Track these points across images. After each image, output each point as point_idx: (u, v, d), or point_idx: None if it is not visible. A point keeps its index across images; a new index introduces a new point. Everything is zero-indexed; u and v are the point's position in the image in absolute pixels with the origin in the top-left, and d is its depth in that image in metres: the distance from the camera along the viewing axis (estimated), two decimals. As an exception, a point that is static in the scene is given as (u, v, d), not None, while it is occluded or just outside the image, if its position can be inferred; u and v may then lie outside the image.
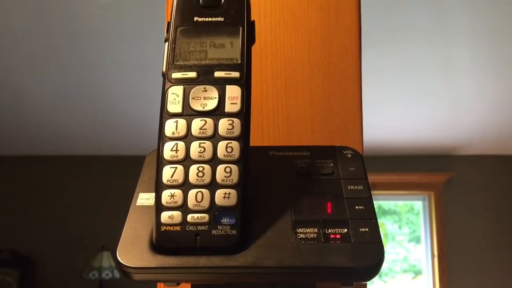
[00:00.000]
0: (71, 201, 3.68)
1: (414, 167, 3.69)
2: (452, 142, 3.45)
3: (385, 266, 3.60)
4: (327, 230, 0.33)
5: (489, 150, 3.60)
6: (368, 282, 0.44)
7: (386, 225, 3.82)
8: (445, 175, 3.68)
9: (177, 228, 0.32)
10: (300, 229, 0.33)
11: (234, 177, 0.32)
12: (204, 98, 0.33)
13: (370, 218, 0.34)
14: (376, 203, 0.35)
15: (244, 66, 0.34)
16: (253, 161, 0.35)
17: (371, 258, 0.31)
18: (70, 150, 3.64)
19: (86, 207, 3.67)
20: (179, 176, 0.32)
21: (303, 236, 0.33)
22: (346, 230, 0.33)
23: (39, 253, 3.57)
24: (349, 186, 0.36)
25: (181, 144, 0.33)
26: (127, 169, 3.45)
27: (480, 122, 3.08)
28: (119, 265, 0.32)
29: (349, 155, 0.39)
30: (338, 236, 0.32)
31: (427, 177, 3.70)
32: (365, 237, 0.32)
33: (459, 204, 3.65)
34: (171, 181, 0.32)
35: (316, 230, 0.33)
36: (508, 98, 2.75)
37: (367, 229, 0.33)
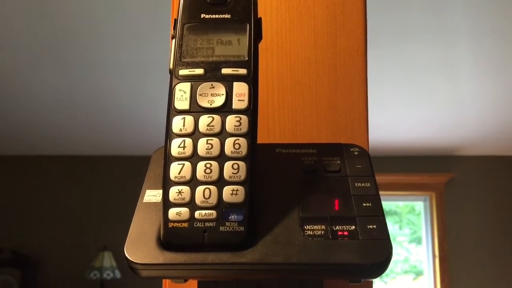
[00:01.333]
0: (72, 201, 3.68)
1: (415, 168, 3.68)
2: (453, 142, 3.44)
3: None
4: (335, 227, 0.33)
5: (491, 151, 3.59)
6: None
7: (387, 225, 3.82)
8: (446, 175, 3.67)
9: (185, 224, 0.32)
10: (307, 226, 0.33)
11: (242, 174, 0.32)
12: (212, 95, 0.33)
13: (377, 215, 0.34)
14: (378, 204, 0.35)
15: (252, 63, 0.34)
16: (260, 158, 0.35)
17: (379, 255, 0.31)
18: (71, 150, 3.65)
19: (87, 207, 3.67)
20: (186, 172, 0.32)
21: (311, 233, 0.33)
22: (354, 227, 0.33)
23: (40, 253, 3.57)
24: (356, 183, 0.36)
25: (188, 141, 0.33)
26: (128, 169, 3.46)
27: (482, 123, 3.08)
28: (126, 261, 0.32)
29: (356, 153, 0.39)
30: (345, 233, 0.32)
31: (428, 178, 3.70)
32: (373, 234, 0.32)
33: (460, 205, 3.64)
34: (178, 177, 0.32)
35: (323, 227, 0.33)
36: (509, 99, 2.75)
37: (374, 226, 0.33)
